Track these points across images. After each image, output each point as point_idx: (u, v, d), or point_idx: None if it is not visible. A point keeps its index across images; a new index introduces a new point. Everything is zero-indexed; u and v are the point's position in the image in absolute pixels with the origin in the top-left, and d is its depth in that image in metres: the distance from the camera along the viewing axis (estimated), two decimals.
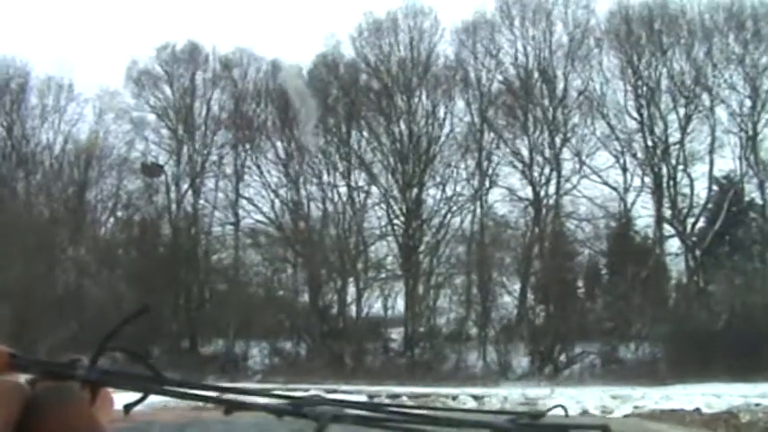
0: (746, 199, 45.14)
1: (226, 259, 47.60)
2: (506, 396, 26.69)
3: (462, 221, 45.79)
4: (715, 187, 45.16)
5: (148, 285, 42.99)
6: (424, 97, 46.23)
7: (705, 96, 44.78)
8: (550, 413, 1.86)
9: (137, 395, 1.44)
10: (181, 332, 44.88)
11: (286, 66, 46.34)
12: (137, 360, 1.47)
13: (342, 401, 1.61)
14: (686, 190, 45.07)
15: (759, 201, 44.77)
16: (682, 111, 44.94)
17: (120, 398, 1.48)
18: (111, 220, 49.15)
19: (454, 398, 26.37)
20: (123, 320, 1.50)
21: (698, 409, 19.72)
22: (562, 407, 1.95)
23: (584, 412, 19.90)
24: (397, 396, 26.58)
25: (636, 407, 23.02)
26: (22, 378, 1.38)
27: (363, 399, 21.44)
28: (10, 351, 1.40)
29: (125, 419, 1.54)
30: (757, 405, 21.27)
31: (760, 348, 36.25)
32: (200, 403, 1.50)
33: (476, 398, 26.33)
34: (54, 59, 47.28)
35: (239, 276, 46.16)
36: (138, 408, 1.50)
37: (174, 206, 47.57)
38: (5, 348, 1.41)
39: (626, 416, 19.12)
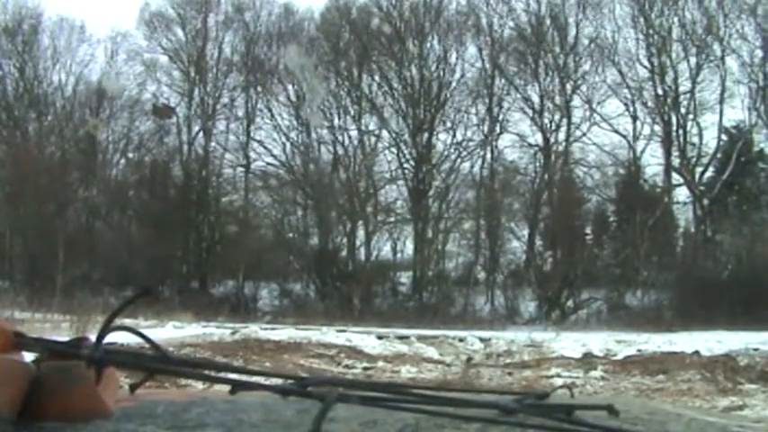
0: (756, 149, 45.43)
1: (236, 201, 48.15)
2: (513, 339, 27.32)
3: (472, 167, 46.42)
4: (724, 137, 45.39)
5: (159, 227, 43.59)
6: (435, 42, 46.65)
7: (716, 46, 45.04)
8: (555, 393, 1.87)
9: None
10: (191, 273, 45.55)
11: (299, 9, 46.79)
12: (141, 338, 1.51)
13: (347, 381, 1.70)
14: (695, 139, 45.45)
15: None
16: (692, 60, 45.24)
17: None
18: (123, 161, 49.74)
19: (461, 339, 27.04)
20: (128, 300, 1.54)
21: (697, 352, 20.35)
22: (568, 387, 1.97)
23: (588, 353, 20.64)
24: (405, 337, 27.23)
25: (639, 350, 23.61)
26: (28, 357, 1.43)
27: (373, 339, 22.30)
28: (15, 330, 1.44)
29: (130, 399, 1.56)
30: (756, 350, 21.90)
31: (764, 298, 36.71)
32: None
33: (482, 340, 27.00)
34: (66, 0, 47.68)
35: (249, 218, 46.75)
36: (144, 387, 1.55)
37: (185, 148, 48.09)
38: (11, 328, 1.45)
39: (627, 357, 19.83)
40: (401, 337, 27.70)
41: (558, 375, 17.39)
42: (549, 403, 1.64)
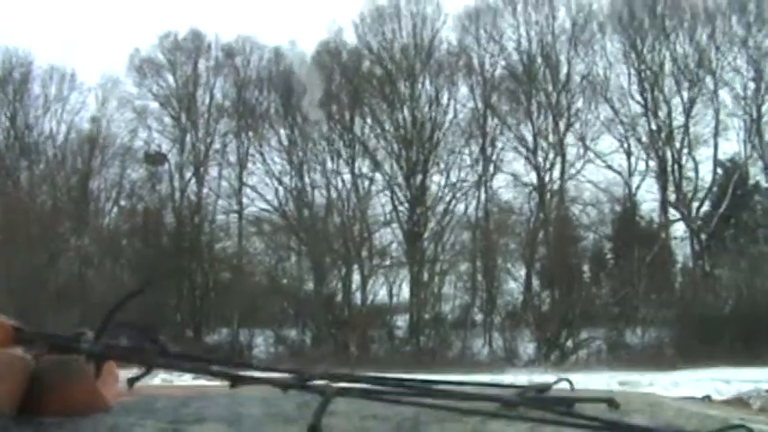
0: (751, 182, 44.63)
1: (230, 248, 47.10)
2: (512, 383, 26.24)
3: (467, 208, 45.55)
4: (719, 170, 44.64)
5: (153, 274, 42.54)
6: (427, 83, 45.89)
7: (709, 79, 44.38)
8: (556, 386, 1.82)
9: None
10: (185, 321, 44.50)
11: (289, 53, 46.04)
12: (142, 334, 1.53)
13: (347, 375, 1.71)
14: (691, 174, 44.66)
15: (764, 183, 44.31)
16: (685, 94, 44.57)
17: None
18: (115, 209, 48.67)
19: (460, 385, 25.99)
20: (128, 295, 1.56)
21: (708, 396, 19.18)
22: (568, 380, 1.92)
23: None
24: None
25: (643, 393, 22.57)
26: (27, 351, 1.41)
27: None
28: (15, 324, 1.45)
29: (129, 393, 1.56)
30: (707, 397, 20.78)
31: (766, 332, 35.88)
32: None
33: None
34: (56, 48, 46.94)
35: (243, 265, 45.72)
36: (143, 381, 1.54)
37: (177, 195, 47.12)
38: (10, 322, 1.46)
39: None
40: None
41: None
42: (549, 396, 1.69)
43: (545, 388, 1.84)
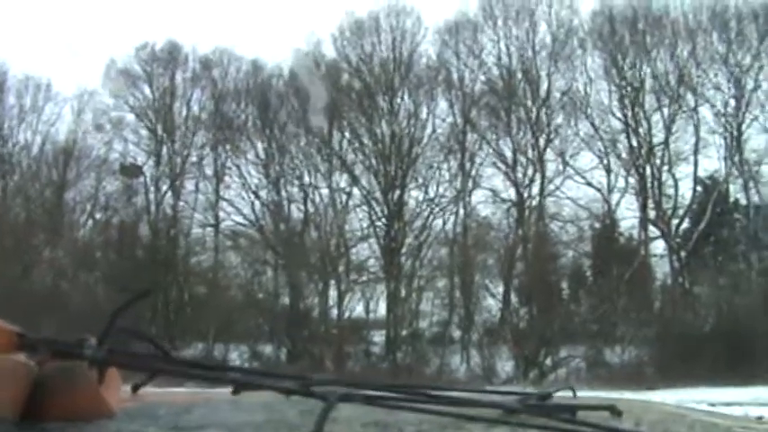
0: (731, 199, 43.74)
1: (205, 262, 45.98)
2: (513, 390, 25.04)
3: (445, 223, 44.50)
4: (699, 188, 43.78)
5: (126, 288, 41.34)
6: (406, 97, 44.90)
7: (689, 96, 43.51)
8: (558, 394, 1.77)
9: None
10: (159, 335, 43.01)
11: (267, 66, 44.99)
12: (144, 340, 1.50)
13: (350, 381, 1.66)
14: (671, 191, 43.79)
15: (743, 201, 43.40)
16: (666, 111, 43.66)
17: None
18: (90, 222, 47.49)
19: None
20: (128, 301, 1.52)
21: (761, 417, 18.02)
22: (570, 388, 1.87)
23: None
24: None
25: None
26: (30, 357, 1.37)
27: None
28: (18, 330, 1.42)
29: (133, 399, 1.54)
30: (760, 418, 19.67)
31: (747, 351, 35.18)
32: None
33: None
34: (31, 59, 45.82)
35: (219, 279, 44.57)
36: (146, 388, 1.54)
37: (153, 208, 46.00)
38: (14, 328, 1.43)
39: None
40: None
41: None
42: (552, 403, 1.61)
43: (547, 395, 1.72)
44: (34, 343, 1.44)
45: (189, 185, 46.07)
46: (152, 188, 46.04)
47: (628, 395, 28.38)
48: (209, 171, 45.80)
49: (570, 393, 1.90)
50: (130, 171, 46.01)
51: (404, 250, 43.70)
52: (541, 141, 44.28)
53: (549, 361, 40.46)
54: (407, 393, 1.58)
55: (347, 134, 44.66)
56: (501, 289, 43.49)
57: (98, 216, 47.07)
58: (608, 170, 44.17)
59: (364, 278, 43.84)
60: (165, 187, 46.04)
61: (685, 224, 44.10)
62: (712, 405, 23.12)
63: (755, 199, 43.09)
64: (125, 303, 1.56)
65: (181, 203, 45.90)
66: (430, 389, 1.74)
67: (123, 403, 1.50)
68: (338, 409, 1.29)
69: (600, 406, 1.61)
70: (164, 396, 1.72)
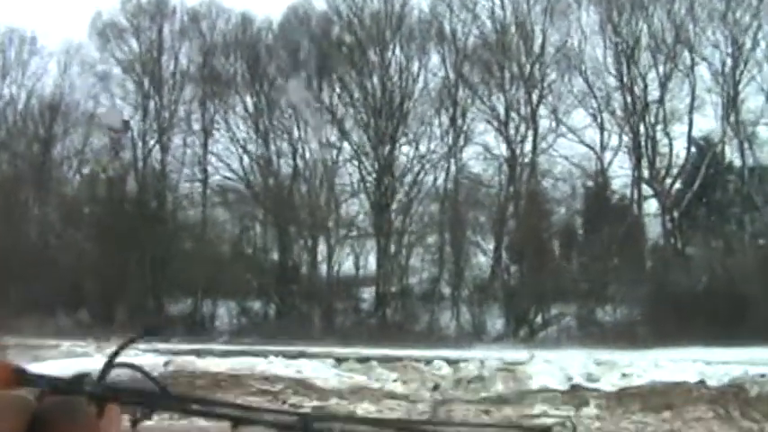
0: (726, 160, 42.53)
1: (193, 217, 44.74)
2: (483, 360, 23.90)
3: (436, 179, 43.20)
4: (694, 148, 42.55)
5: (114, 243, 40.27)
6: (397, 51, 43.43)
7: (686, 54, 42.05)
8: (557, 428, 1.67)
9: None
10: (146, 291, 42.10)
11: (257, 19, 43.64)
12: (142, 374, 1.44)
13: (351, 418, 1.98)
14: (665, 150, 42.44)
15: (738, 163, 42.17)
16: (662, 69, 42.18)
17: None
18: (77, 177, 46.34)
19: (428, 362, 23.54)
20: (130, 339, 1.45)
21: (702, 382, 16.97)
22: (571, 422, 1.95)
23: (577, 386, 17.11)
24: (366, 360, 23.85)
25: (624, 374, 20.30)
26: (29, 392, 1.31)
27: (327, 368, 18.60)
28: (17, 366, 1.34)
29: None
30: (763, 376, 18.57)
31: (741, 312, 34.22)
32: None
33: (450, 362, 23.50)
34: (15, 11, 44.56)
35: (207, 234, 43.38)
36: (146, 423, 1.47)
37: (140, 163, 44.67)
38: (12, 363, 1.36)
39: (623, 389, 16.37)
40: (362, 360, 24.38)
41: (545, 414, 14.03)
42: None
43: (547, 429, 1.66)
44: (33, 378, 1.31)
45: (177, 140, 44.85)
46: (139, 143, 44.84)
47: (623, 355, 27.43)
48: (196, 125, 44.49)
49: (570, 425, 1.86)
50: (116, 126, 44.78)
51: (394, 206, 42.47)
52: (534, 98, 42.95)
53: (539, 319, 39.41)
54: (408, 429, 1.51)
55: (338, 88, 43.28)
56: (492, 246, 42.40)
57: (85, 171, 45.90)
58: (601, 128, 42.86)
59: (354, 234, 42.69)
60: (152, 142, 44.79)
61: (678, 184, 42.79)
62: (708, 364, 22.16)
63: (750, 161, 41.88)
64: (125, 342, 1.43)
65: (169, 158, 44.65)
66: (430, 424, 1.69)
67: None
68: None
69: None
70: (163, 430, 1.76)
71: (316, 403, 14.39)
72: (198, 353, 26.99)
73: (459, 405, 14.67)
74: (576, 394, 15.39)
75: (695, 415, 13.56)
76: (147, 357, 20.10)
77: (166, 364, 17.69)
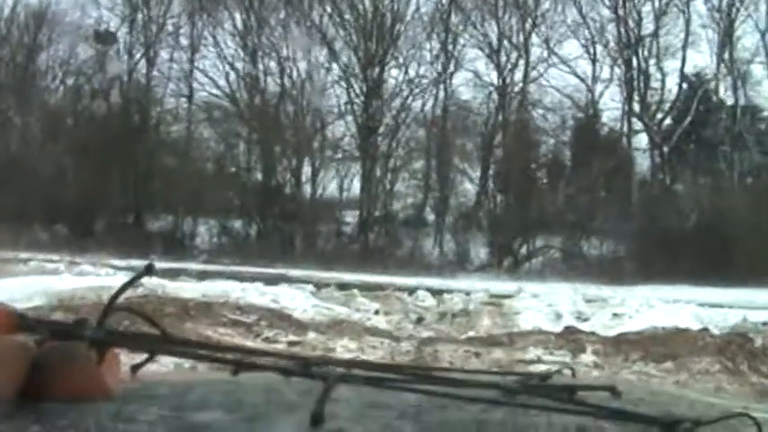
0: (716, 98, 41.06)
1: (177, 133, 43.11)
2: (468, 292, 22.60)
3: (424, 104, 41.60)
4: (685, 84, 41.06)
5: (96, 157, 38.72)
6: None
7: None
8: (557, 375, 1.75)
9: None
10: (127, 207, 40.66)
11: None
12: (144, 319, 1.46)
13: (350, 362, 1.69)
14: (657, 84, 40.98)
15: (730, 101, 40.74)
16: (657, 1, 40.42)
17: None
18: (61, 88, 44.59)
19: (411, 292, 22.21)
20: (129, 280, 1.45)
21: (706, 329, 15.64)
22: (570, 368, 1.85)
23: (571, 327, 15.75)
24: (347, 287, 22.54)
25: (615, 314, 19.01)
26: (29, 338, 1.34)
27: (304, 297, 17.19)
28: (16, 312, 1.38)
29: (132, 380, 1.49)
30: (765, 324, 17.27)
31: (729, 252, 33.07)
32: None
33: (434, 293, 22.16)
34: None
35: (190, 151, 41.83)
36: (146, 368, 1.50)
37: (125, 76, 42.91)
38: (12, 309, 1.39)
39: (622, 334, 15.00)
40: (342, 286, 23.07)
41: (539, 359, 12.70)
42: (551, 384, 1.61)
43: (547, 376, 1.70)
44: (33, 323, 1.36)
45: (164, 54, 42.99)
46: (125, 56, 43.09)
47: (612, 291, 26.22)
48: (184, 41, 42.71)
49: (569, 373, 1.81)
50: (104, 38, 43.00)
51: (381, 130, 40.92)
52: (527, 26, 41.29)
53: (524, 250, 38.16)
54: (407, 374, 1.53)
55: (328, 8, 41.47)
56: (478, 174, 41.06)
57: (69, 83, 44.16)
58: (594, 60, 41.26)
59: (339, 156, 41.25)
60: (138, 55, 43.09)
61: (669, 120, 41.41)
62: (701, 306, 20.88)
63: (742, 100, 40.47)
64: (124, 285, 1.43)
65: (154, 73, 42.89)
66: (430, 370, 1.74)
67: (123, 384, 1.40)
68: (337, 389, 1.26)
69: (600, 386, 1.58)
70: (163, 376, 1.62)
71: (292, 338, 13.00)
72: (175, 273, 25.75)
73: (445, 345, 13.29)
74: (570, 338, 14.01)
75: (701, 367, 12.23)
76: (118, 278, 18.70)
77: (136, 286, 16.22)
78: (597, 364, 12.43)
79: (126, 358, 1.49)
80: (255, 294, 16.08)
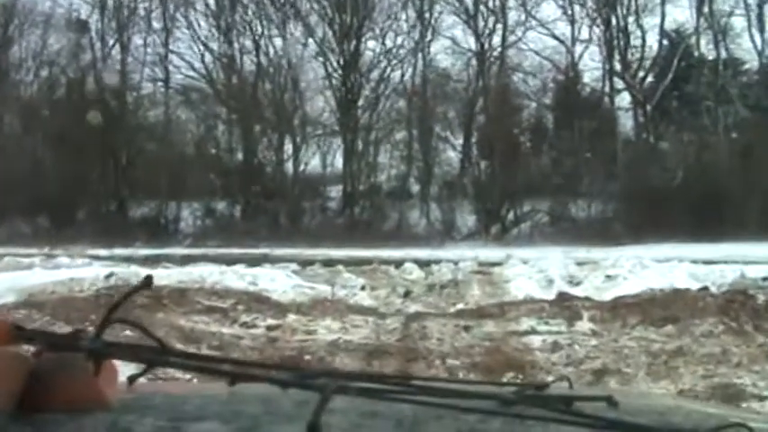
0: (699, 53, 40.19)
1: (156, 118, 42.10)
2: (457, 262, 21.80)
3: (403, 75, 40.64)
4: (666, 41, 40.21)
5: (74, 147, 37.74)
6: None
7: None
8: (554, 385, 1.73)
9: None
10: (109, 195, 39.73)
11: None
12: (141, 331, 1.44)
13: (347, 373, 1.66)
14: (637, 42, 40.06)
15: (712, 55, 39.86)
16: None
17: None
18: (36, 80, 43.49)
19: (398, 265, 21.41)
20: (127, 294, 1.45)
21: (706, 289, 14.83)
22: (567, 378, 1.80)
23: (564, 294, 14.89)
24: (332, 264, 21.73)
25: (608, 276, 18.22)
26: (27, 349, 1.33)
27: (285, 278, 16.27)
28: (14, 323, 1.35)
29: (129, 391, 1.48)
30: (765, 279, 16.48)
31: (716, 208, 32.40)
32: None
33: (421, 265, 21.35)
34: None
35: (170, 135, 40.82)
36: (142, 379, 1.48)
37: (100, 64, 41.86)
38: (10, 320, 1.36)
39: (618, 298, 14.13)
40: (328, 263, 22.28)
41: (533, 330, 11.87)
42: (548, 394, 1.62)
43: (543, 386, 1.67)
44: (29, 334, 1.33)
45: (137, 40, 41.91)
46: (98, 43, 42.05)
47: (604, 253, 25.45)
48: (157, 24, 41.56)
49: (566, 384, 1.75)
50: (76, 26, 42.00)
51: (361, 102, 40.00)
52: None
53: (511, 215, 37.35)
54: (403, 385, 1.50)
55: None
56: (461, 141, 40.23)
57: (44, 74, 43.10)
58: (572, 20, 40.32)
59: (320, 132, 40.32)
60: (111, 42, 41.96)
61: (651, 78, 40.60)
62: (694, 262, 20.10)
63: (724, 53, 39.59)
64: (123, 296, 1.41)
65: (129, 59, 41.78)
66: (426, 380, 1.71)
67: (120, 395, 1.38)
68: (334, 400, 1.22)
69: (597, 397, 1.56)
70: (160, 387, 1.58)
71: (271, 321, 12.13)
72: (159, 259, 24.90)
73: (433, 320, 12.43)
74: (564, 304, 13.17)
75: (703, 329, 11.42)
76: (93, 268, 17.77)
77: (108, 276, 15.26)
78: (595, 331, 11.61)
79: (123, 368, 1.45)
80: (234, 277, 15.17)
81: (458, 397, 1.44)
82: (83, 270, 17.28)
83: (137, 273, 15.52)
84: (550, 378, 10.40)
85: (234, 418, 1.38)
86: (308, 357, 10.24)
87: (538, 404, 1.43)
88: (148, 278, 1.42)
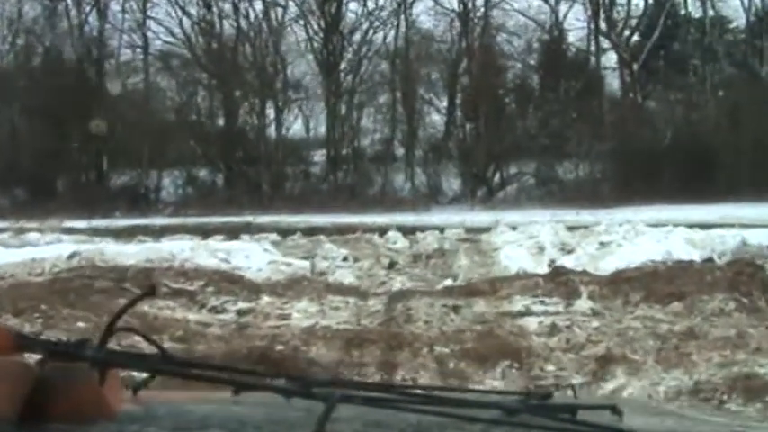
0: (686, 10, 39.22)
1: (135, 85, 40.78)
2: (443, 229, 20.66)
3: (385, 37, 39.32)
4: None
5: (53, 116, 36.40)
6: None
7: None
8: (558, 394, 1.85)
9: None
10: (88, 165, 38.42)
11: None
12: (145, 340, 1.44)
13: (351, 382, 1.65)
14: (623, 0, 38.85)
15: (698, 13, 38.86)
16: None
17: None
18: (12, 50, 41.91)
19: (383, 233, 20.23)
20: (129, 303, 1.45)
21: (711, 260, 13.72)
22: (572, 387, 1.95)
23: (560, 267, 13.69)
24: (313, 233, 20.60)
25: (602, 243, 17.05)
26: (31, 358, 1.31)
27: (261, 253, 14.99)
28: (18, 332, 1.34)
29: (133, 400, 1.46)
30: None
31: (706, 168, 31.47)
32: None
33: (406, 233, 20.19)
34: None
35: (150, 102, 39.50)
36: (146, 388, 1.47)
37: (76, 32, 40.39)
38: (13, 329, 1.35)
39: (619, 271, 12.91)
40: (311, 231, 21.16)
41: (528, 310, 10.71)
42: (552, 403, 1.60)
43: (548, 395, 1.66)
44: (32, 343, 1.33)
45: (114, 6, 40.39)
46: (74, 10, 40.54)
47: (586, 213, 24.36)
48: None
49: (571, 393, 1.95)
50: None
51: (343, 66, 38.78)
52: None
53: (497, 178, 36.23)
54: (407, 394, 1.52)
55: None
56: (445, 104, 39.05)
57: (20, 43, 41.58)
58: None
59: (302, 96, 39.06)
60: (88, 8, 40.45)
61: (637, 36, 39.53)
62: (690, 227, 18.96)
63: (711, 11, 38.50)
64: (126, 306, 1.42)
65: (106, 26, 40.33)
66: (430, 389, 1.74)
67: (124, 404, 1.38)
68: (339, 410, 1.23)
69: (601, 405, 1.56)
70: (164, 396, 1.55)
71: (242, 305, 10.95)
72: (136, 230, 23.76)
73: (419, 300, 11.24)
74: (560, 279, 11.98)
75: (713, 306, 10.29)
76: (56, 248, 16.46)
77: (71, 256, 13.93)
78: (595, 311, 10.46)
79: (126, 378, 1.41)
80: (205, 254, 13.90)
81: (462, 406, 1.42)
82: (47, 249, 16.02)
83: (102, 251, 14.24)
84: (550, 367, 9.38)
85: (238, 428, 1.34)
86: (279, 348, 9.08)
87: (542, 413, 1.40)
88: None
